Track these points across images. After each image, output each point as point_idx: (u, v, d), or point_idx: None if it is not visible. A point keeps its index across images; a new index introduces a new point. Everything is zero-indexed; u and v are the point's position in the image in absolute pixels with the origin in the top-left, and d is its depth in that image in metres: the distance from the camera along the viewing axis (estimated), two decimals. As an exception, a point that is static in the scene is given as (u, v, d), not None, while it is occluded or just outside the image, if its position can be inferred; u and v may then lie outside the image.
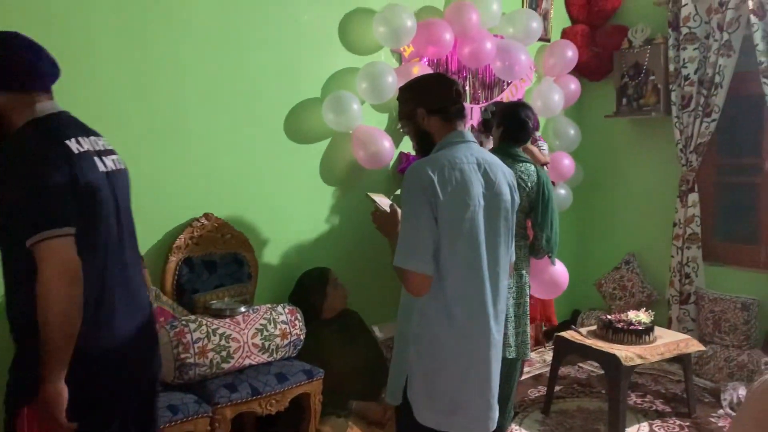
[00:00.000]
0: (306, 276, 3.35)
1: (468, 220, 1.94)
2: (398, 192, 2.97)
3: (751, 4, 3.81)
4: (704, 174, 4.29)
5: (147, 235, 2.99)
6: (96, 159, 1.70)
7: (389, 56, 3.80)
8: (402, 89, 2.17)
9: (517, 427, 3.47)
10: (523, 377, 3.97)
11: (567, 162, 4.47)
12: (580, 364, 4.34)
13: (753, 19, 3.81)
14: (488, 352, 2.02)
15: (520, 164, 2.96)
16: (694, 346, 3.55)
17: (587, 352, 3.54)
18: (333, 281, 3.33)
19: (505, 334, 2.89)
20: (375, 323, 3.54)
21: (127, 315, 1.75)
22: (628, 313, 3.59)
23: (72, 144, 1.63)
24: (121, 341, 1.72)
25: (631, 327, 3.45)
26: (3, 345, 1.85)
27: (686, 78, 4.16)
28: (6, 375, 1.67)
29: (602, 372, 3.60)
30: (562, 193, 4.49)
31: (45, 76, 1.73)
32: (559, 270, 3.40)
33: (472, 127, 4.13)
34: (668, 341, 3.49)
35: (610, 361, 3.32)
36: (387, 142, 3.57)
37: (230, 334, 2.76)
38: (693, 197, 4.23)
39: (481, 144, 3.57)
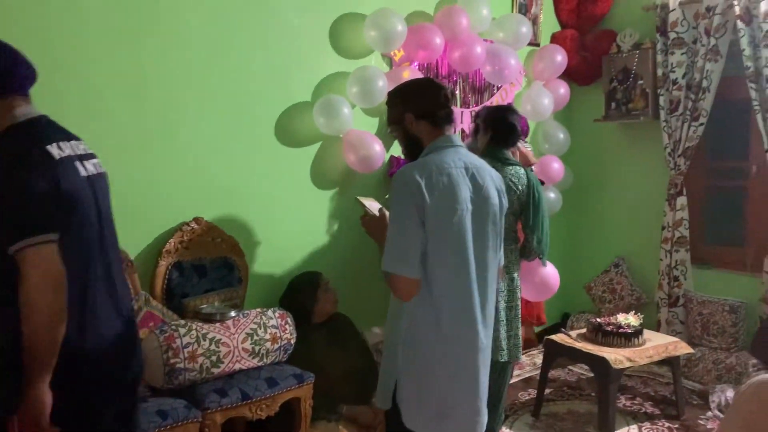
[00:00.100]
0: (296, 280, 3.34)
1: (455, 225, 1.95)
2: (388, 196, 2.98)
3: (737, 10, 3.85)
4: (692, 178, 4.33)
5: (137, 239, 2.98)
6: (77, 163, 1.69)
7: (380, 60, 3.80)
8: (391, 94, 2.18)
9: (508, 430, 3.48)
10: (513, 380, 3.97)
11: (556, 166, 4.49)
12: (570, 367, 4.36)
13: (740, 24, 3.85)
14: (476, 356, 2.02)
15: (510, 167, 2.97)
16: (683, 349, 3.58)
17: (577, 355, 3.55)
18: (324, 285, 3.33)
19: (497, 338, 2.90)
20: (366, 327, 3.53)
21: (110, 318, 1.75)
22: (618, 315, 3.62)
23: (53, 149, 1.62)
24: (106, 344, 1.72)
25: (621, 330, 3.47)
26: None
27: (674, 82, 4.19)
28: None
29: (592, 375, 3.62)
30: (551, 196, 4.51)
31: (22, 79, 1.71)
32: (550, 272, 3.42)
33: (463, 132, 4.15)
34: (657, 344, 3.51)
35: (599, 364, 3.34)
36: (378, 146, 3.57)
37: (220, 339, 2.75)
38: (681, 201, 4.26)
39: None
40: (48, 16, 2.67)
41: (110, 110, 2.86)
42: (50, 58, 2.67)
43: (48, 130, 1.69)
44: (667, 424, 3.55)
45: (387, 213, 2.09)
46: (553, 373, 3.97)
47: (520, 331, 3.12)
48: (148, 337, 2.69)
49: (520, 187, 2.96)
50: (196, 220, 3.12)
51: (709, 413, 3.65)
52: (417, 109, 2.07)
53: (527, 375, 4.24)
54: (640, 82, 4.44)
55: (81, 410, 1.69)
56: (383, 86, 3.50)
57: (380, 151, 3.58)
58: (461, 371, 2.01)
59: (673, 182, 4.28)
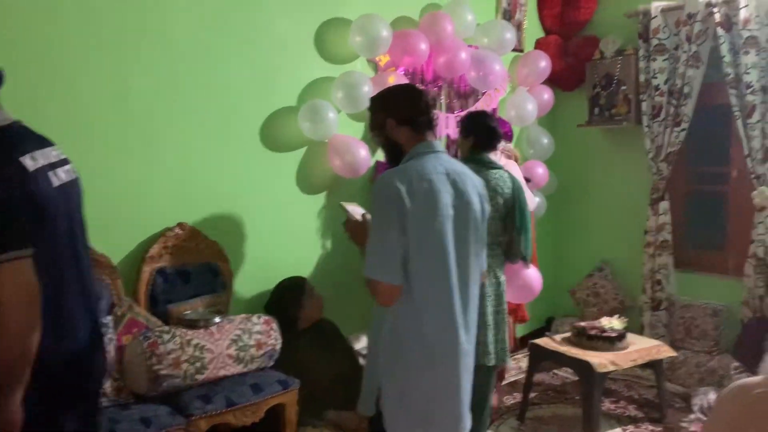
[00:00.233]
0: (282, 285, 3.33)
1: (436, 230, 1.95)
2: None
3: (717, 17, 3.90)
4: (675, 182, 4.37)
5: (120, 245, 2.96)
6: (50, 174, 1.65)
7: (365, 65, 3.81)
8: (372, 100, 2.19)
9: (493, 435, 3.49)
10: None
11: (541, 170, 4.52)
12: (555, 371, 4.38)
13: (720, 31, 3.90)
14: (458, 362, 2.02)
15: (494, 171, 3.01)
16: (666, 352, 3.61)
17: (562, 359, 3.57)
18: (309, 291, 3.32)
19: (485, 342, 2.92)
20: (352, 332, 3.53)
21: (84, 325, 1.74)
22: (602, 319, 3.64)
23: (27, 161, 1.58)
24: (80, 350, 1.71)
25: (604, 334, 3.50)
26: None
27: (656, 88, 4.24)
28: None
29: (577, 378, 3.64)
30: (536, 201, 4.53)
31: None
32: (533, 274, 3.45)
33: (448, 137, 4.16)
34: (641, 347, 3.54)
35: (583, 368, 3.36)
36: (363, 151, 3.58)
37: (205, 345, 2.73)
38: (664, 205, 4.30)
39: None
40: (32, 22, 2.65)
41: (93, 115, 2.84)
42: (34, 64, 2.65)
43: (21, 139, 1.63)
44: (650, 427, 3.58)
45: (370, 218, 2.09)
46: (538, 377, 3.99)
47: (507, 335, 3.14)
48: (131, 343, 2.67)
49: (506, 189, 2.99)
50: (180, 225, 3.10)
51: (692, 416, 3.68)
52: (398, 114, 2.08)
53: (512, 379, 4.25)
54: (623, 87, 4.48)
55: (51, 420, 1.68)
56: (368, 91, 3.50)
57: (366, 156, 3.59)
58: (443, 377, 2.01)
59: (656, 187, 4.32)
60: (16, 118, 1.65)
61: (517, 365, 4.47)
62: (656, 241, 4.33)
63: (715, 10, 3.91)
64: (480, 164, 2.95)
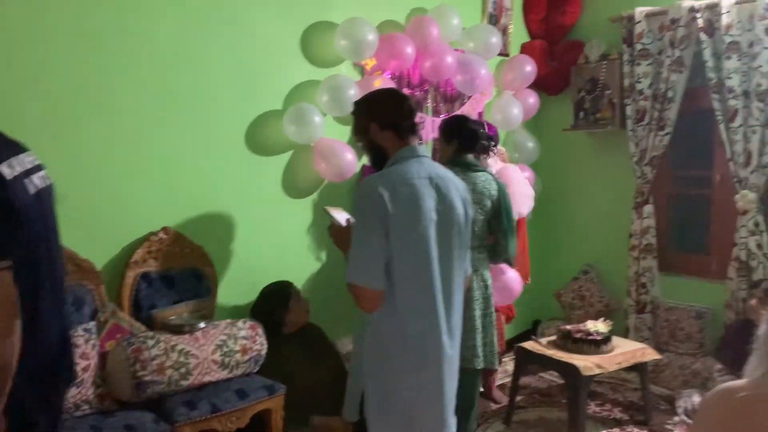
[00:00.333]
0: (267, 290, 3.32)
1: (419, 235, 1.95)
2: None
3: (700, 23, 3.94)
4: (659, 186, 4.40)
5: (103, 250, 2.94)
6: (26, 181, 1.63)
7: (351, 69, 3.81)
8: (356, 104, 2.19)
9: (480, 439, 3.49)
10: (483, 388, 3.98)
11: (526, 174, 4.53)
12: (541, 374, 4.39)
13: (703, 36, 3.94)
14: (441, 368, 2.02)
15: (480, 173, 3.04)
16: (651, 355, 3.63)
17: (547, 363, 3.58)
18: (295, 295, 3.31)
19: (473, 346, 2.94)
20: (338, 337, 3.52)
21: (58, 331, 1.73)
22: (587, 323, 3.66)
23: (5, 169, 1.55)
24: (49, 359, 1.69)
25: (590, 337, 3.51)
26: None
27: (640, 93, 4.27)
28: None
29: (562, 381, 3.65)
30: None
31: None
32: (513, 276, 3.46)
33: (435, 141, 4.16)
34: (626, 350, 3.55)
35: (569, 371, 3.37)
36: (350, 155, 3.57)
37: (189, 351, 2.71)
38: (648, 209, 4.33)
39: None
40: (14, 26, 2.62)
41: (76, 119, 2.82)
42: (15, 69, 2.62)
43: None
44: (635, 430, 3.59)
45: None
46: (524, 380, 4.00)
47: (496, 338, 3.16)
48: (115, 349, 2.64)
49: (492, 191, 3.02)
50: (165, 230, 3.08)
51: (676, 418, 3.70)
52: (381, 119, 2.08)
53: (499, 382, 4.25)
54: (608, 92, 4.51)
55: (20, 424, 1.67)
56: (354, 95, 3.49)
57: (352, 160, 3.58)
58: (426, 383, 2.01)
59: (640, 190, 4.35)
60: (-3, 123, 1.63)
61: (503, 369, 4.47)
62: (641, 245, 4.35)
63: (698, 15, 3.95)
64: (465, 167, 2.98)
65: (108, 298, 2.85)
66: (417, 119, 2.17)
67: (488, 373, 3.86)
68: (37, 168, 1.72)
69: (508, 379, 4.06)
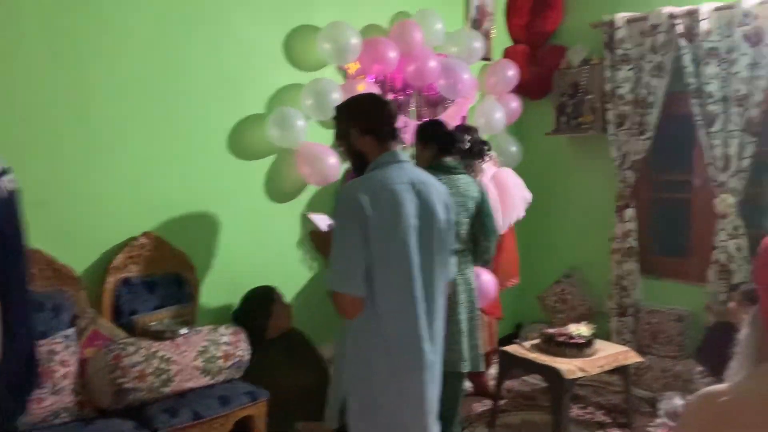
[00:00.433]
0: (250, 295, 3.29)
1: (400, 241, 1.95)
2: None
3: (680, 29, 3.98)
4: (640, 190, 4.44)
5: (83, 255, 2.90)
6: None
7: (334, 73, 3.80)
8: (337, 109, 2.19)
9: (463, 443, 3.49)
10: (467, 393, 3.98)
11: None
12: (524, 378, 4.40)
13: (682, 42, 3.98)
14: (422, 374, 2.01)
15: (461, 176, 3.07)
16: (633, 358, 3.65)
17: (531, 366, 3.59)
18: (278, 300, 3.29)
19: (459, 349, 2.95)
20: (322, 342, 3.49)
21: (26, 338, 1.71)
22: (570, 326, 3.67)
23: None
24: (21, 365, 1.68)
25: (572, 340, 3.52)
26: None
27: (621, 97, 4.30)
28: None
29: (546, 385, 3.66)
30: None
31: None
32: (488, 278, 3.49)
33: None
34: (608, 353, 3.57)
35: (552, 375, 3.38)
36: (333, 159, 3.56)
37: (171, 357, 2.68)
38: (629, 212, 4.36)
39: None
40: (-11, 24, 2.58)
41: (54, 122, 2.78)
42: (-9, 68, 2.59)
43: None
44: (618, 433, 3.62)
45: None
46: (507, 384, 4.01)
47: (481, 341, 3.18)
48: (95, 356, 2.61)
49: (474, 193, 3.07)
50: (146, 234, 3.05)
51: (658, 420, 3.73)
52: (362, 124, 2.08)
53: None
54: (589, 96, 4.54)
55: None
56: (338, 99, 3.48)
57: (335, 164, 3.57)
58: (408, 389, 2.00)
59: (622, 194, 4.38)
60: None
61: (487, 372, 4.48)
62: (622, 248, 4.38)
63: (678, 21, 3.99)
64: (446, 170, 3.01)
65: (88, 304, 2.81)
66: (399, 124, 2.17)
67: (476, 374, 3.88)
68: (5, 171, 1.69)
69: (491, 383, 4.06)
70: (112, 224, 2.98)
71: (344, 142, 2.14)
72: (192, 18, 3.19)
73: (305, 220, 2.52)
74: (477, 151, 3.71)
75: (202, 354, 2.77)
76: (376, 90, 3.73)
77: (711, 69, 3.87)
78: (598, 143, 4.59)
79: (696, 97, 3.96)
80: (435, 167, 2.97)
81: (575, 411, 3.85)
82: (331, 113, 3.50)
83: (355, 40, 3.60)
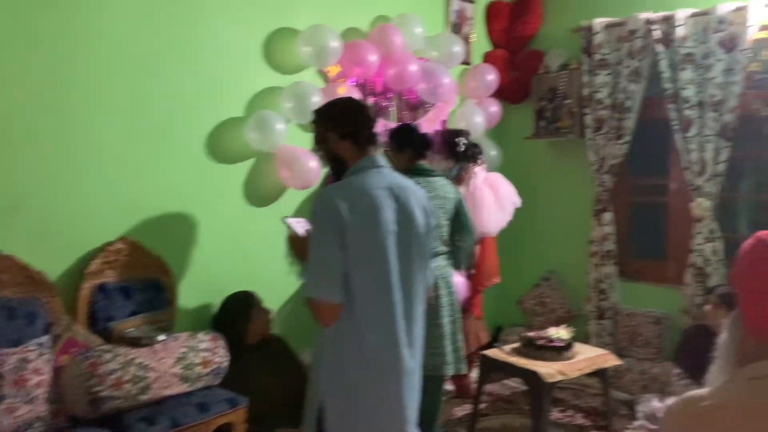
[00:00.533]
0: (229, 301, 3.26)
1: (378, 247, 1.93)
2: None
3: (657, 34, 4.03)
4: (618, 194, 4.48)
5: (58, 260, 2.85)
6: None
7: (314, 76, 3.78)
8: (315, 113, 2.17)
9: (444, 447, 3.48)
10: (447, 396, 3.98)
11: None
12: (504, 381, 4.41)
13: (659, 48, 4.03)
14: (401, 381, 2.00)
15: (438, 178, 3.10)
16: (612, 361, 3.67)
17: (511, 370, 3.59)
18: (257, 305, 3.26)
19: (442, 353, 2.96)
20: (301, 348, 3.47)
21: None
22: (549, 329, 3.68)
23: None
24: None
25: (552, 344, 3.54)
26: None
27: (599, 102, 4.34)
28: None
29: (525, 388, 3.67)
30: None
31: None
32: (459, 279, 3.52)
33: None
34: (587, 356, 3.59)
35: (532, 378, 3.38)
36: (313, 163, 3.53)
37: (148, 364, 2.63)
38: (607, 216, 4.40)
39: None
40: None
41: (28, 125, 2.73)
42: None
43: None
44: (597, 435, 3.64)
45: None
46: (487, 387, 4.01)
47: (463, 343, 3.20)
48: (70, 364, 2.55)
49: (451, 195, 3.11)
50: (122, 239, 3.00)
51: (636, 423, 3.75)
52: (340, 129, 2.06)
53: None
54: (568, 101, 4.58)
55: None
56: (318, 102, 3.46)
57: (315, 168, 3.55)
58: (386, 397, 1.98)
59: (600, 198, 4.42)
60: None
61: (468, 375, 4.48)
62: (600, 252, 4.42)
63: (655, 27, 4.04)
64: (423, 174, 3.04)
65: (63, 311, 2.75)
66: (377, 128, 2.16)
67: (459, 377, 3.89)
68: None
69: (471, 387, 4.06)
70: (88, 229, 2.93)
71: (322, 147, 2.13)
72: (171, 19, 3.15)
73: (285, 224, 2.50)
74: (471, 154, 3.77)
75: (181, 361, 2.73)
76: (356, 93, 3.72)
77: (687, 74, 3.93)
78: (576, 147, 4.63)
79: (672, 102, 4.01)
80: (412, 171, 2.97)
81: (555, 414, 3.87)
82: (311, 117, 3.51)
83: (335, 43, 3.58)
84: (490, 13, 4.85)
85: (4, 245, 2.62)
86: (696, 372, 3.62)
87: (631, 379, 4.17)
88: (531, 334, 3.66)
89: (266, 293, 3.40)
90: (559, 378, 3.38)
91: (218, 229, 3.38)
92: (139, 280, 3.03)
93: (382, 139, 3.82)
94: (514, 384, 4.33)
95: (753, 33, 3.72)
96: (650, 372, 4.11)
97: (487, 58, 4.81)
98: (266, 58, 3.57)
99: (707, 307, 3.61)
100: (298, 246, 2.13)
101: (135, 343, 2.71)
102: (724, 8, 3.78)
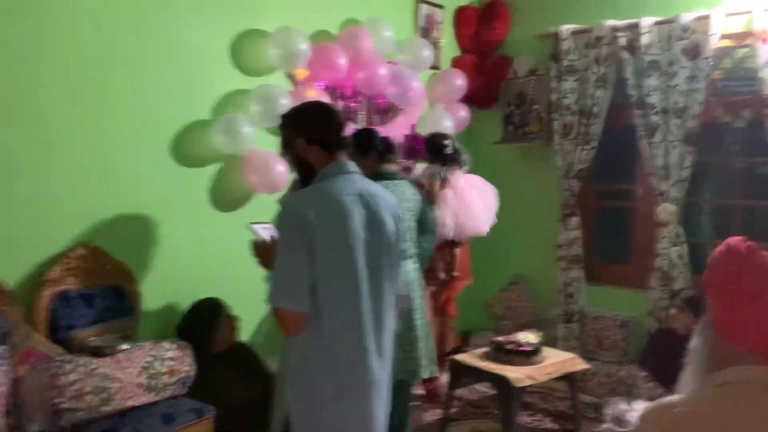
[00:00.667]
0: (195, 307, 3.19)
1: (347, 255, 1.90)
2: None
3: (623, 42, 4.09)
4: (585, 198, 4.53)
5: (16, 267, 2.75)
6: None
7: (283, 79, 3.73)
8: (282, 117, 2.12)
9: (414, 454, 3.46)
10: (414, 402, 3.96)
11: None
12: (473, 385, 4.41)
13: (625, 55, 4.09)
14: (370, 391, 1.97)
15: (402, 181, 3.13)
16: (580, 365, 3.70)
17: (480, 375, 3.60)
18: (223, 312, 3.20)
19: (416, 356, 2.99)
20: (269, 356, 3.41)
21: None
22: (518, 334, 3.70)
23: None
24: None
25: (521, 348, 3.55)
26: None
27: (567, 108, 4.39)
28: None
29: (494, 392, 3.68)
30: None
31: None
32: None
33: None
34: (556, 360, 3.62)
35: (501, 383, 3.39)
36: (281, 167, 3.49)
37: (111, 374, 2.56)
38: (575, 221, 4.44)
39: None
40: None
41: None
42: None
43: None
44: (566, 439, 3.66)
45: None
46: (456, 392, 4.00)
47: (434, 344, 3.23)
48: (29, 374, 2.47)
49: (416, 196, 3.17)
50: (84, 245, 2.91)
51: (604, 426, 3.78)
52: (308, 133, 2.02)
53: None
54: (536, 106, 4.61)
55: None
56: (286, 105, 3.42)
57: (283, 172, 3.50)
58: (354, 407, 1.95)
59: (567, 203, 4.46)
60: None
61: (439, 378, 4.48)
62: (568, 256, 4.46)
63: (621, 34, 4.10)
64: (389, 177, 3.06)
65: (22, 320, 2.65)
66: (346, 133, 2.13)
67: (429, 380, 3.89)
68: None
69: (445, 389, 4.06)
70: (47, 234, 2.84)
71: (290, 152, 2.08)
72: (136, 18, 3.08)
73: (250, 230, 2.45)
74: (456, 157, 3.81)
75: (145, 370, 2.66)
76: (325, 97, 3.68)
77: (652, 81, 3.99)
78: (544, 153, 4.67)
79: (638, 108, 4.07)
80: (376, 176, 2.95)
81: (524, 418, 3.88)
82: (279, 121, 3.46)
83: (304, 46, 3.55)
84: (459, 18, 4.86)
85: (-41, 252, 2.52)
86: (662, 375, 3.69)
87: (598, 382, 4.20)
88: (500, 338, 3.67)
89: (233, 300, 3.34)
90: (529, 382, 3.40)
91: (184, 234, 3.31)
92: (102, 287, 2.95)
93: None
94: (483, 388, 4.34)
95: (715, 41, 3.80)
96: (617, 375, 4.15)
97: (456, 63, 4.82)
98: (234, 60, 3.51)
99: (673, 311, 3.67)
100: (263, 252, 2.06)
101: (97, 352, 2.63)
102: (687, 17, 3.85)
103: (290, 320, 1.86)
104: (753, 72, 3.77)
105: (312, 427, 1.92)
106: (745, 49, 3.88)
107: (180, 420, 2.68)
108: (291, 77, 3.77)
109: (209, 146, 3.37)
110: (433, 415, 3.95)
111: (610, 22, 4.16)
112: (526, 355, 3.53)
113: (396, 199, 2.16)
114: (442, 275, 3.95)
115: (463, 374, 3.69)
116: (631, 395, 3.77)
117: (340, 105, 3.91)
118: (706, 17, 3.80)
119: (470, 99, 4.79)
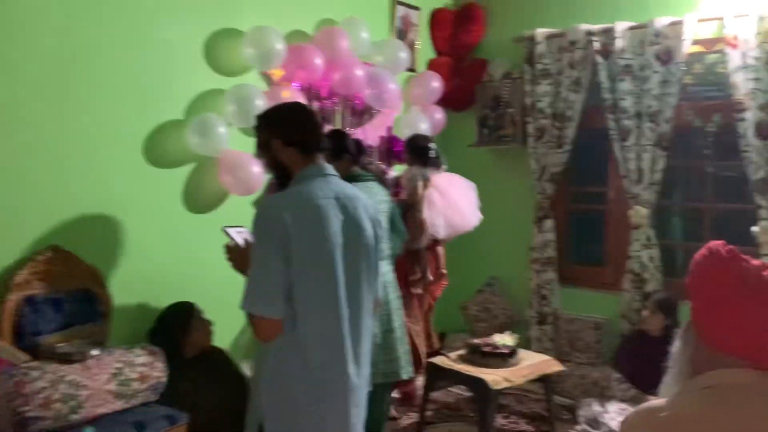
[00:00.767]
0: (167, 311, 3.12)
1: (324, 260, 1.86)
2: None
3: (597, 46, 4.13)
4: (558, 201, 4.56)
5: (-21, 271, 2.65)
6: None
7: (258, 78, 3.68)
8: (258, 117, 2.08)
9: (390, 458, 3.44)
10: (393, 404, 3.94)
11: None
12: (449, 388, 4.40)
13: (599, 59, 4.13)
14: (346, 399, 1.94)
15: (374, 183, 3.13)
16: (555, 367, 3.72)
17: (457, 377, 3.60)
18: (196, 316, 3.13)
19: (397, 358, 2.99)
20: (244, 360, 3.36)
21: None
22: (494, 336, 3.70)
23: None
24: None
25: (498, 350, 3.55)
26: None
27: (541, 111, 4.41)
28: None
29: (470, 394, 3.68)
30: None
31: None
32: None
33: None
34: (531, 363, 3.63)
35: (478, 386, 3.39)
36: (256, 168, 3.43)
37: (80, 381, 2.49)
38: (548, 223, 4.47)
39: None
40: None
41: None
42: None
43: None
44: (541, 441, 3.67)
45: None
46: (432, 395, 3.99)
47: (409, 346, 3.24)
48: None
49: (387, 197, 3.20)
50: (52, 247, 2.83)
51: (578, 427, 3.80)
52: (285, 135, 1.98)
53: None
54: (510, 110, 4.63)
55: None
56: (262, 105, 3.37)
57: (259, 173, 3.45)
58: (330, 415, 1.92)
59: (541, 205, 4.49)
60: None
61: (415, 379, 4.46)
62: (541, 258, 4.49)
63: (594, 38, 4.14)
64: (360, 180, 3.04)
65: (-15, 325, 2.57)
66: (323, 135, 2.10)
67: (405, 383, 3.86)
68: None
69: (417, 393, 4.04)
70: (13, 236, 2.75)
71: (266, 154, 2.03)
72: (106, 15, 3.01)
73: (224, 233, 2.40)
74: (437, 160, 3.81)
75: (116, 376, 2.60)
76: (301, 97, 3.64)
77: (625, 85, 4.04)
78: (518, 155, 4.69)
79: (611, 112, 4.12)
80: (350, 178, 2.93)
81: (499, 420, 3.88)
82: (254, 121, 3.41)
83: (279, 46, 3.50)
84: (435, 21, 4.86)
85: None
86: (635, 376, 3.73)
87: (572, 384, 4.23)
88: (477, 341, 3.67)
89: (206, 303, 3.27)
90: (506, 385, 3.40)
91: (156, 236, 3.24)
92: (71, 292, 2.86)
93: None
94: (458, 391, 4.34)
95: (687, 47, 3.86)
96: (590, 376, 4.18)
97: (432, 66, 4.82)
98: (208, 60, 3.45)
99: (645, 313, 3.71)
100: (237, 256, 2.02)
101: (65, 359, 2.56)
102: (660, 22, 3.90)
103: (265, 326, 1.82)
104: (723, 77, 3.83)
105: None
106: (716, 55, 3.95)
107: (152, 427, 2.62)
108: (266, 77, 3.72)
109: (182, 147, 3.31)
110: (409, 418, 3.93)
111: (585, 27, 4.20)
112: (502, 358, 3.53)
113: (372, 202, 2.14)
114: (430, 277, 3.94)
115: (440, 377, 3.68)
116: (604, 396, 3.80)
117: (315, 106, 3.87)
118: (678, 23, 3.86)
119: (446, 101, 4.79)
